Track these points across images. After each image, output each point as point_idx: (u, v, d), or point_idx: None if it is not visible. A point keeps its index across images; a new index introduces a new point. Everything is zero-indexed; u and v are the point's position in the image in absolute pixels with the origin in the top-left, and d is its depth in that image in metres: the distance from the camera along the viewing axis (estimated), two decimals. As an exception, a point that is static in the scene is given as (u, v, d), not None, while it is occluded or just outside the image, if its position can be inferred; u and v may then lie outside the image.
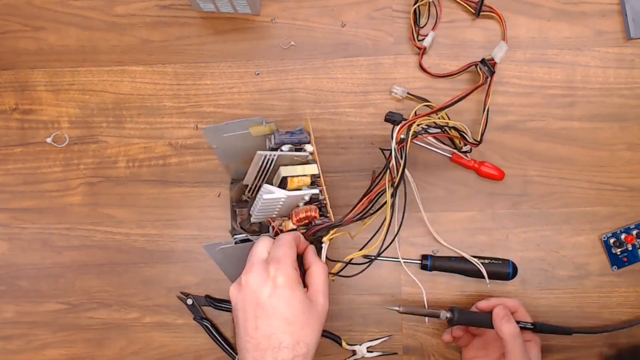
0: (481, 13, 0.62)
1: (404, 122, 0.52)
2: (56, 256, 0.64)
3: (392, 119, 0.53)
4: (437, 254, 0.62)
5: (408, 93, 0.62)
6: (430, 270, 0.61)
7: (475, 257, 0.60)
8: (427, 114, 0.54)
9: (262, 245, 0.50)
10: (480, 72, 0.59)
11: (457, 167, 0.62)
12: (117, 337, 0.64)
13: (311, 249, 0.52)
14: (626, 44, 0.62)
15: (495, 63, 0.59)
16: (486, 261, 0.60)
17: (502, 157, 0.62)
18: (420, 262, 0.61)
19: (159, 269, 0.64)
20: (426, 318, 0.59)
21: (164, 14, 0.64)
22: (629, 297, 0.62)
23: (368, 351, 0.62)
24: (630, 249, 0.60)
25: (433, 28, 0.62)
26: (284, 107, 0.63)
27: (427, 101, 0.60)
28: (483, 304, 0.57)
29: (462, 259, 0.60)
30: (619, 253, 0.60)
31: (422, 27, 0.62)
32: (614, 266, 0.61)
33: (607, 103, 0.62)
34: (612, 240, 0.61)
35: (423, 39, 0.61)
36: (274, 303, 0.45)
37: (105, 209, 0.64)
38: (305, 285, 0.49)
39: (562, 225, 0.62)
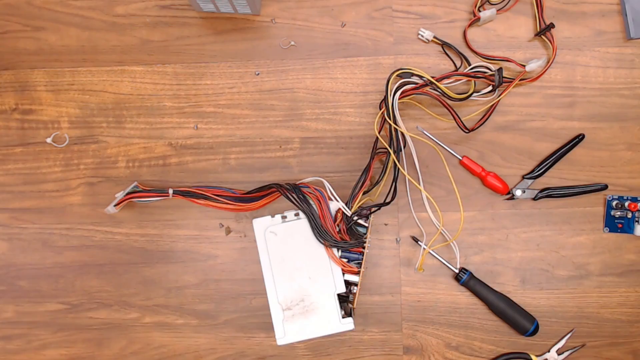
0: (539, 36, 0.62)
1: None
2: (56, 256, 0.64)
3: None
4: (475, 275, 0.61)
5: (434, 37, 0.62)
6: (461, 285, 0.61)
7: (507, 298, 0.60)
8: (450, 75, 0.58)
9: None
10: (493, 77, 0.59)
11: (458, 167, 0.62)
12: (117, 337, 0.64)
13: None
14: (626, 44, 0.62)
15: (524, 71, 0.60)
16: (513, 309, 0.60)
17: (502, 157, 0.62)
18: (457, 272, 0.61)
19: (159, 269, 0.64)
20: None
21: (164, 14, 0.64)
22: (629, 297, 0.62)
23: (558, 354, 0.61)
24: (629, 216, 0.60)
25: (499, 10, 0.62)
26: (284, 107, 0.63)
27: (452, 47, 0.62)
28: None
29: (495, 293, 0.60)
30: (617, 216, 0.61)
31: (493, 5, 0.62)
32: (606, 228, 0.61)
33: (607, 103, 0.62)
34: (614, 203, 0.61)
35: (482, 11, 0.61)
36: None
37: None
38: None
39: (562, 225, 0.62)
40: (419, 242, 0.61)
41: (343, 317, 0.56)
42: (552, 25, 0.60)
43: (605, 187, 0.61)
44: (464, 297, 0.62)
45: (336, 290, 0.56)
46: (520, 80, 0.60)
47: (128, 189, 0.60)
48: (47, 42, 0.64)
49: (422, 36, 0.62)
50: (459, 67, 0.62)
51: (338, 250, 0.56)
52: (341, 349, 0.62)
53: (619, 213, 0.61)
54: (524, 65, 0.59)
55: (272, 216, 0.58)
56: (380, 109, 0.60)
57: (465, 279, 0.60)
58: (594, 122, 0.62)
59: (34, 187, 0.64)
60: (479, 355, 0.62)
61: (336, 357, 0.62)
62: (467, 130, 0.60)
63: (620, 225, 0.61)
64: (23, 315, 0.64)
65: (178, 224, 0.64)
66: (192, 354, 0.64)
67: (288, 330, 0.56)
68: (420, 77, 0.57)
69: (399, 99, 0.58)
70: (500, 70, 0.58)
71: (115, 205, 0.59)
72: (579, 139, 0.61)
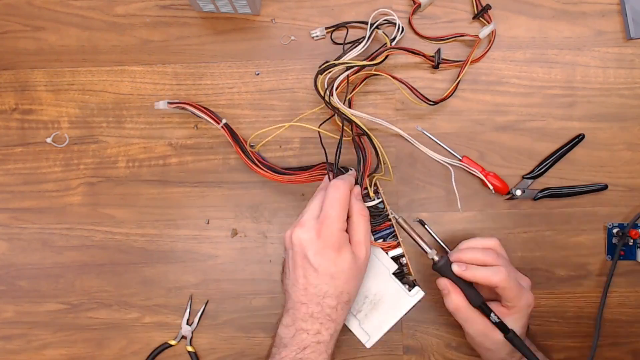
0: (477, 18, 0.62)
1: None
2: (56, 256, 0.64)
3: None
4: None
5: (327, 28, 0.62)
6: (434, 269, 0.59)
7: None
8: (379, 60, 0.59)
9: (317, 202, 0.53)
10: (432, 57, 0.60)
11: (458, 167, 0.62)
12: (117, 337, 0.64)
13: (355, 195, 0.54)
14: (626, 44, 0.62)
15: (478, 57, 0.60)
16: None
17: (502, 157, 0.62)
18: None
19: (159, 269, 0.64)
20: (420, 243, 0.55)
21: (164, 14, 0.64)
22: (629, 297, 0.62)
23: (189, 324, 0.63)
24: (631, 243, 0.60)
25: None
26: (284, 107, 0.63)
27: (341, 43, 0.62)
28: (465, 246, 0.55)
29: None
30: (618, 244, 0.61)
31: None
32: (609, 255, 0.61)
33: (607, 103, 0.62)
34: (615, 230, 0.61)
35: None
36: (319, 260, 0.50)
37: (105, 209, 0.64)
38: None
39: (562, 225, 0.62)
40: (425, 226, 0.61)
41: (410, 291, 0.56)
42: (488, 7, 0.60)
43: (605, 187, 0.61)
44: (464, 297, 0.62)
45: (390, 271, 0.56)
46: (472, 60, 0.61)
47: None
48: (47, 42, 0.64)
49: (317, 36, 0.62)
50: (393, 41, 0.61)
51: (371, 235, 0.57)
52: (341, 349, 0.62)
53: (620, 242, 0.60)
54: (477, 35, 0.60)
55: None
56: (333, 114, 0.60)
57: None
58: (594, 122, 0.62)
59: (34, 187, 0.64)
60: (478, 355, 0.62)
61: (336, 357, 0.62)
62: (432, 103, 0.60)
63: (622, 253, 0.61)
64: (23, 315, 0.64)
65: (178, 224, 0.64)
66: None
67: (369, 330, 0.56)
68: (346, 65, 0.58)
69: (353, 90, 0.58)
70: (439, 50, 0.60)
71: (169, 103, 0.59)
72: (579, 139, 0.61)
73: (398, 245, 0.57)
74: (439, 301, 0.62)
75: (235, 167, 0.63)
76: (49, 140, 0.64)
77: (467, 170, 0.61)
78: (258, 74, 0.64)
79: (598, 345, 0.61)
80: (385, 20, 0.60)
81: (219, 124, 0.60)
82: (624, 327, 0.62)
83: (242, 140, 0.61)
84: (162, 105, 0.59)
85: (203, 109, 0.61)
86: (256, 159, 0.60)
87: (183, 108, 0.61)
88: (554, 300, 0.62)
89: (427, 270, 0.62)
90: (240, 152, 0.60)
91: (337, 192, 0.52)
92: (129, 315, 0.64)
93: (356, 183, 0.56)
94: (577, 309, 0.62)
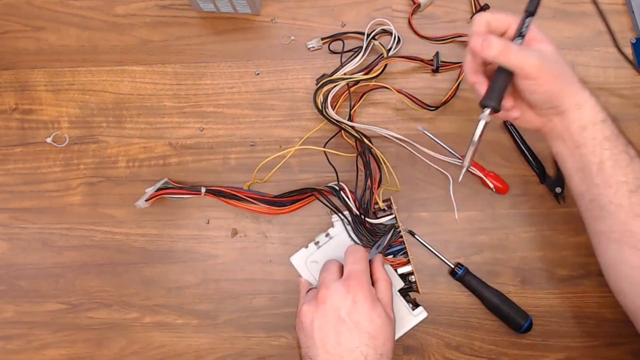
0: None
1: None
2: (56, 256, 0.64)
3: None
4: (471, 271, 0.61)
5: (322, 39, 0.62)
6: (456, 280, 0.61)
7: (502, 294, 0.60)
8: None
9: (334, 265, 0.53)
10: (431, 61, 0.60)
11: (458, 168, 0.62)
12: (117, 337, 0.64)
13: (378, 262, 0.54)
14: (626, 44, 0.62)
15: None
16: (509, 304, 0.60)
17: (502, 157, 0.62)
18: (453, 267, 0.61)
19: (159, 269, 0.64)
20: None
21: (164, 14, 0.64)
22: (629, 297, 0.62)
23: None
24: None
25: None
26: (284, 107, 0.63)
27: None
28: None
29: (490, 289, 0.60)
30: None
31: None
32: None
33: (607, 103, 0.62)
34: None
35: None
36: (356, 318, 0.47)
37: (105, 209, 0.64)
38: None
39: (562, 225, 0.62)
40: (415, 236, 0.61)
41: (413, 310, 0.55)
42: (486, 7, 0.60)
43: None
44: (464, 297, 0.62)
45: (396, 288, 0.56)
46: None
47: (158, 185, 0.60)
48: (47, 42, 0.64)
49: (312, 47, 0.62)
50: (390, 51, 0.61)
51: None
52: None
53: None
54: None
55: (306, 247, 0.58)
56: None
57: (461, 274, 0.60)
58: (594, 122, 0.62)
59: (34, 187, 0.64)
60: (478, 355, 0.62)
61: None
62: (433, 108, 0.60)
63: None
64: (23, 315, 0.64)
65: (178, 224, 0.64)
66: (192, 354, 0.64)
67: None
68: (343, 79, 0.58)
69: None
70: (437, 54, 0.60)
71: (146, 200, 0.59)
72: None
73: (408, 262, 0.57)
74: (440, 301, 0.62)
75: (235, 167, 0.63)
76: (49, 140, 0.64)
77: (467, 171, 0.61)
78: (258, 74, 0.64)
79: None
80: (382, 29, 0.60)
81: (199, 194, 0.60)
82: (624, 327, 0.62)
83: (231, 191, 0.60)
84: (142, 204, 0.59)
85: (179, 190, 0.60)
86: (252, 197, 0.60)
87: (162, 197, 0.60)
88: (554, 300, 0.62)
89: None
90: (236, 204, 0.60)
91: (358, 251, 0.52)
92: (129, 315, 0.64)
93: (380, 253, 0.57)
94: (577, 309, 0.62)
